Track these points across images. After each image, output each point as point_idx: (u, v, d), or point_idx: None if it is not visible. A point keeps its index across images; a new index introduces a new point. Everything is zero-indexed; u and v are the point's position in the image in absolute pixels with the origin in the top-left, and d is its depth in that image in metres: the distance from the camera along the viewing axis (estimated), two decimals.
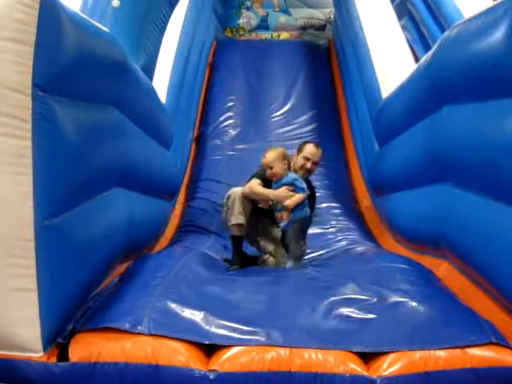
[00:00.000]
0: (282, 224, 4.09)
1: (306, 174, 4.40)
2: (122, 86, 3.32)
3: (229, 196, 4.13)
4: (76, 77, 2.54)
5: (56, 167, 2.36)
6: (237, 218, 4.05)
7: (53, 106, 2.31)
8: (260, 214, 4.22)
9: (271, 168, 4.10)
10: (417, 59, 5.17)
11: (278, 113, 7.11)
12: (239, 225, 4.07)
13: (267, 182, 4.18)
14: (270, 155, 4.14)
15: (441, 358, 2.34)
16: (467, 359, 2.33)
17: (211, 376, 2.28)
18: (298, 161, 4.39)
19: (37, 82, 2.21)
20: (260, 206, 4.14)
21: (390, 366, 2.32)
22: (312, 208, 4.42)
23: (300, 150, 4.45)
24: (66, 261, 2.47)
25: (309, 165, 4.36)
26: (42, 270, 2.28)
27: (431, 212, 3.71)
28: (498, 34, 2.66)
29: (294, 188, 4.07)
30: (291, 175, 4.16)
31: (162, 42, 4.71)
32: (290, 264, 4.00)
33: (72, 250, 2.53)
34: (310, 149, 4.40)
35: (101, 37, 2.94)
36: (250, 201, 4.11)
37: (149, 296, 2.80)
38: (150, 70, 4.28)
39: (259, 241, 4.30)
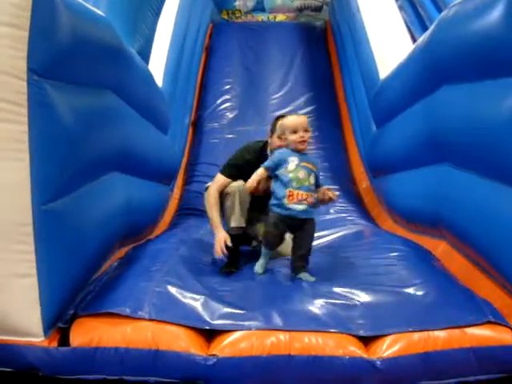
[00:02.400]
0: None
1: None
2: (118, 70, 3.30)
3: (227, 193, 3.70)
4: (71, 61, 2.52)
5: (53, 152, 2.35)
6: (238, 220, 3.66)
7: (48, 90, 2.29)
8: (258, 202, 3.77)
9: (306, 130, 3.31)
10: (414, 40, 5.13)
11: (276, 95, 7.08)
12: (240, 227, 3.67)
13: (245, 172, 3.68)
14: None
15: (439, 338, 2.36)
16: (466, 339, 2.35)
17: (211, 361, 2.30)
18: (274, 142, 3.74)
19: (32, 67, 2.19)
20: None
21: (389, 347, 2.34)
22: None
23: (273, 129, 3.78)
24: (65, 245, 2.48)
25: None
26: (41, 255, 2.28)
27: (429, 192, 3.71)
28: (495, 14, 2.65)
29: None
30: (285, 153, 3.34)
31: (158, 26, 4.68)
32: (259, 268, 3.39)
33: (71, 234, 2.53)
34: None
35: (96, 21, 2.92)
36: (249, 194, 3.67)
37: (149, 281, 2.82)
38: (145, 53, 4.25)
39: (257, 230, 3.90)
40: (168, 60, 5.43)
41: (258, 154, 3.87)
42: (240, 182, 3.71)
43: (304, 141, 3.30)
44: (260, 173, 3.38)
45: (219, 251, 3.47)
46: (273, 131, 3.81)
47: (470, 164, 3.09)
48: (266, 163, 3.38)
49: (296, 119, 3.36)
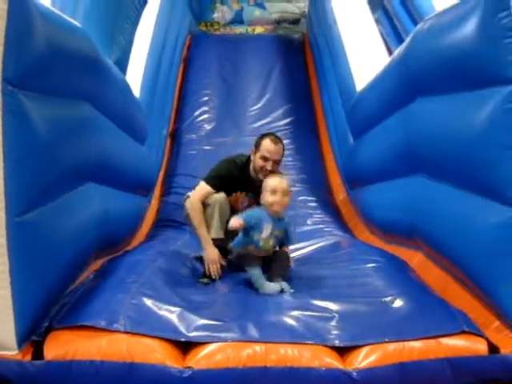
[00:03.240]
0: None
1: (268, 176, 3.60)
2: (95, 81, 3.30)
3: (208, 204, 3.72)
4: (47, 71, 2.52)
5: (27, 163, 2.33)
6: (217, 232, 3.70)
7: (23, 100, 2.28)
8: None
9: (285, 195, 3.33)
10: (390, 52, 5.19)
11: (254, 107, 7.09)
12: (218, 239, 3.70)
13: (227, 185, 3.77)
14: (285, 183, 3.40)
15: (415, 348, 2.37)
16: (441, 349, 2.37)
17: (187, 373, 2.28)
18: (256, 161, 3.78)
19: (6, 76, 2.18)
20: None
21: (365, 358, 2.34)
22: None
23: (256, 146, 3.82)
24: (40, 257, 2.45)
25: (269, 166, 3.71)
26: (14, 267, 2.26)
27: (405, 203, 3.74)
28: (469, 27, 2.69)
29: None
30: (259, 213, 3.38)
31: (135, 36, 4.68)
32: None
33: (45, 246, 2.51)
34: (267, 146, 3.73)
35: (72, 31, 2.91)
36: (229, 206, 3.79)
37: (124, 293, 2.79)
38: (123, 64, 4.24)
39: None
40: (146, 71, 5.41)
41: (241, 170, 3.87)
42: (222, 194, 3.73)
43: (279, 204, 3.30)
44: (237, 219, 3.32)
45: (212, 272, 3.47)
46: (256, 148, 3.81)
47: (444, 175, 3.12)
48: (243, 217, 3.30)
49: (278, 182, 3.36)
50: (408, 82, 3.59)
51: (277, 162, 3.78)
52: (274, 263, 3.37)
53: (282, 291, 3.15)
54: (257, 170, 3.79)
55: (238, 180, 3.83)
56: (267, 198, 3.32)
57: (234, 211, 3.75)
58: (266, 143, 3.74)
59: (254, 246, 3.31)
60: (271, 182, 3.36)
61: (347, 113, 5.52)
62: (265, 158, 3.72)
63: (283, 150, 3.84)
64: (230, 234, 3.62)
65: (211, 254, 3.52)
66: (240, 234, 3.35)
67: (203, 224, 3.69)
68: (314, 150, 6.59)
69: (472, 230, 2.77)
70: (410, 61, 3.55)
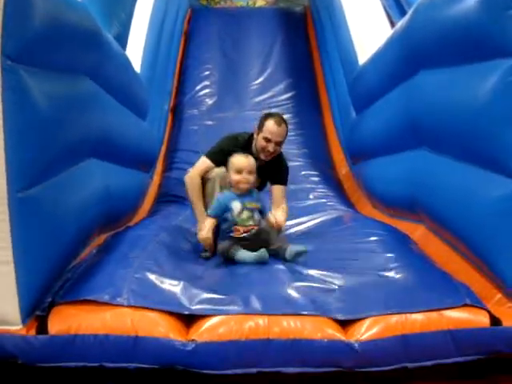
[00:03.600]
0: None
1: (269, 156, 3.76)
2: (95, 56, 3.27)
3: (208, 179, 3.72)
4: (47, 46, 2.49)
5: (28, 138, 2.32)
6: None
7: (23, 75, 2.26)
8: None
9: (250, 172, 3.39)
10: (393, 25, 5.13)
11: (255, 81, 7.05)
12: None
13: (226, 160, 3.64)
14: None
15: (417, 321, 2.38)
16: (443, 321, 2.38)
17: (190, 346, 2.29)
18: (259, 141, 3.75)
19: (6, 52, 2.16)
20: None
21: (367, 330, 2.36)
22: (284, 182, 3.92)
23: (260, 126, 3.76)
24: (42, 232, 2.46)
25: (270, 148, 3.70)
26: (17, 242, 2.26)
27: (408, 177, 3.74)
28: None
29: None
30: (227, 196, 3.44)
31: (135, 10, 4.64)
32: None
33: (47, 221, 2.51)
34: (269, 127, 3.68)
35: (72, 5, 2.87)
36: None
37: (127, 268, 2.81)
38: (123, 39, 4.21)
39: None
40: (146, 45, 5.37)
41: (243, 148, 3.82)
42: (222, 169, 3.70)
43: (245, 182, 3.36)
44: (210, 223, 3.35)
45: (205, 248, 3.45)
46: (260, 128, 3.76)
47: (447, 148, 3.11)
48: (212, 212, 3.38)
49: (243, 160, 3.42)
50: (411, 55, 3.56)
51: (279, 144, 3.75)
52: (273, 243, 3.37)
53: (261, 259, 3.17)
54: (258, 150, 3.76)
55: None
56: (233, 176, 3.39)
57: None
58: (270, 124, 3.69)
59: (237, 227, 3.33)
60: (236, 161, 3.41)
61: (349, 87, 5.49)
62: (267, 139, 3.70)
63: (287, 131, 3.80)
64: None
65: (202, 231, 3.40)
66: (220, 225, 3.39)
67: (200, 200, 3.70)
68: (316, 125, 6.57)
69: (474, 202, 2.77)
70: (412, 33, 3.51)
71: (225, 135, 4.01)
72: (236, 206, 3.35)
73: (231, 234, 3.34)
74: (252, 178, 3.40)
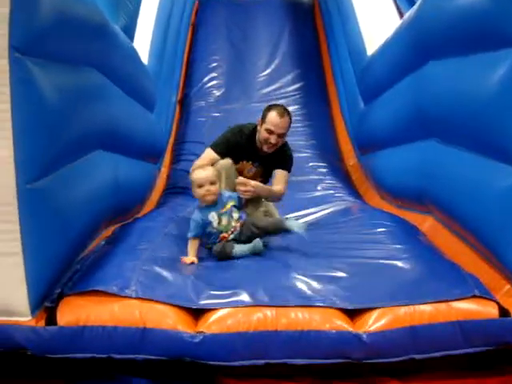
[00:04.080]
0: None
1: (272, 148, 3.76)
2: (102, 48, 3.27)
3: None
4: (54, 38, 2.49)
5: (37, 130, 2.32)
6: None
7: (31, 67, 2.26)
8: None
9: (212, 183, 3.29)
10: (401, 15, 5.10)
11: (263, 72, 7.03)
12: None
13: (234, 152, 3.73)
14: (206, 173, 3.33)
15: (425, 312, 2.38)
16: (452, 313, 2.37)
17: (198, 338, 2.30)
18: (262, 133, 3.72)
19: (14, 44, 2.15)
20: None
21: (375, 321, 2.35)
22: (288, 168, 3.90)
23: (263, 117, 3.74)
24: (51, 224, 2.46)
25: (273, 139, 3.69)
26: (26, 234, 2.27)
27: (417, 168, 3.72)
28: None
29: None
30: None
31: (142, 2, 4.63)
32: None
33: (56, 213, 2.52)
34: (272, 119, 3.66)
35: None
36: (235, 171, 3.77)
37: (136, 259, 2.82)
38: (130, 30, 4.20)
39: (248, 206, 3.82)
40: (153, 37, 5.36)
41: (248, 139, 3.82)
42: (228, 160, 3.71)
43: (210, 194, 3.26)
44: (193, 244, 3.24)
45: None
46: (263, 120, 3.73)
47: (457, 139, 3.10)
48: (193, 233, 3.23)
49: (202, 174, 3.31)
50: (419, 45, 3.54)
51: (281, 136, 3.73)
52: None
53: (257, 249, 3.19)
54: (261, 142, 3.75)
55: (244, 148, 3.81)
56: (197, 192, 3.30)
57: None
58: (272, 116, 3.67)
59: (223, 234, 3.28)
60: (195, 177, 3.32)
61: (358, 77, 5.46)
62: (269, 131, 3.68)
63: (289, 123, 3.76)
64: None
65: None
66: (204, 240, 3.34)
67: None
68: (323, 116, 6.55)
69: (484, 193, 2.76)
70: (421, 23, 3.49)
71: (229, 127, 4.00)
72: (213, 216, 3.28)
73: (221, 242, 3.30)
74: (215, 187, 3.29)
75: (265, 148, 3.74)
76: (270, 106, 3.84)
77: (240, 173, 3.80)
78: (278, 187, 3.79)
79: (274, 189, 3.77)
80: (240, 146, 3.80)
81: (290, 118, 3.77)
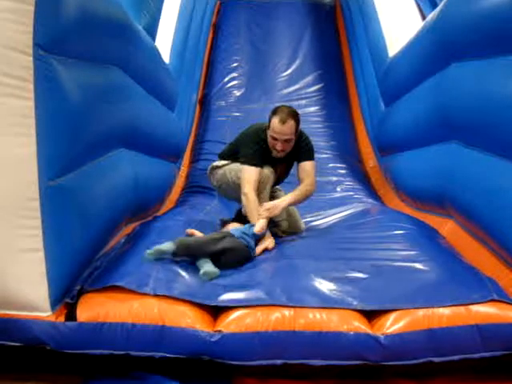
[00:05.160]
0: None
1: (280, 153, 3.65)
2: (125, 46, 3.29)
3: (219, 168, 3.82)
4: (78, 36, 2.51)
5: (59, 127, 2.34)
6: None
7: (55, 65, 2.29)
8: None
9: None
10: (424, 17, 5.08)
11: (284, 73, 7.04)
12: None
13: (265, 157, 3.66)
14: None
15: (444, 315, 2.36)
16: (470, 316, 2.36)
17: (216, 337, 2.31)
18: (269, 138, 3.64)
19: (38, 42, 2.18)
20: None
21: (393, 323, 2.35)
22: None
23: (269, 123, 3.64)
24: (72, 220, 2.49)
25: (278, 146, 3.59)
26: (47, 230, 2.29)
27: (437, 171, 3.70)
28: None
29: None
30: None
31: (165, 2, 4.65)
32: None
33: (77, 209, 2.54)
34: (274, 126, 3.54)
35: None
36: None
37: None
38: (152, 29, 4.23)
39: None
40: (175, 37, 5.39)
41: (262, 141, 3.71)
42: (270, 169, 3.69)
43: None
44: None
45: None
46: (269, 125, 3.63)
47: (479, 142, 3.07)
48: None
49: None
50: (442, 48, 3.52)
51: (288, 141, 3.60)
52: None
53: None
54: (270, 147, 3.67)
55: (267, 153, 3.71)
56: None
57: None
58: (275, 123, 3.54)
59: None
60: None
61: (379, 79, 5.44)
62: (274, 138, 3.59)
63: (295, 126, 3.59)
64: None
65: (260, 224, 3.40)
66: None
67: (255, 213, 3.51)
68: (344, 117, 6.54)
69: (505, 197, 2.74)
70: (443, 25, 3.47)
71: (246, 130, 3.89)
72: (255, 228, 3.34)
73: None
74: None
75: (274, 153, 3.67)
76: (275, 109, 3.67)
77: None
78: (308, 181, 3.70)
79: (300, 192, 3.68)
80: (265, 153, 3.70)
81: (296, 120, 3.60)
